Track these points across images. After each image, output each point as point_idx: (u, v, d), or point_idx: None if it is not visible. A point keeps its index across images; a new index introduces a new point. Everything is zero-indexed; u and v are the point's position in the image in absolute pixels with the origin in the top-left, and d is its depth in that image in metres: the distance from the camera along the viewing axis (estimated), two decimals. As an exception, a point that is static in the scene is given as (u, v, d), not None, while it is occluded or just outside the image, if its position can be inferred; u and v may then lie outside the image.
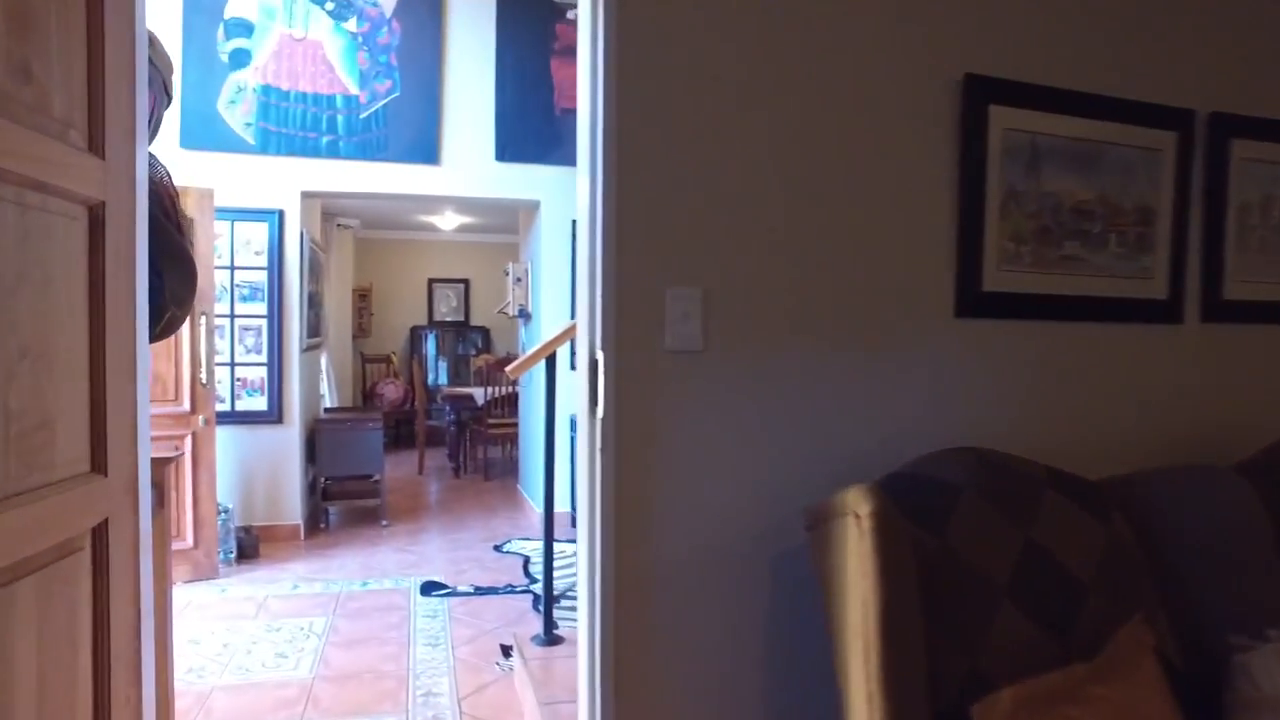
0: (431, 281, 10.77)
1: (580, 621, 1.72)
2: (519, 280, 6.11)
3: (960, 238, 1.94)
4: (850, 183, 1.84)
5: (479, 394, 7.94)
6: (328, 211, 8.80)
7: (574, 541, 5.14)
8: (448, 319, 10.83)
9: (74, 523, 1.22)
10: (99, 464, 1.29)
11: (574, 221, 5.95)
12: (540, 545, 5.29)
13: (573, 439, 5.91)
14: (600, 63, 1.64)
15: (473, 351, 10.55)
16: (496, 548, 5.33)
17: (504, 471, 8.19)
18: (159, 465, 2.13)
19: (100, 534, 1.29)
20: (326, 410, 6.77)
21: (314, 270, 6.01)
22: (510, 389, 7.81)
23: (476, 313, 10.90)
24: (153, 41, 1.83)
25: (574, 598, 3.84)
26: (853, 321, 1.83)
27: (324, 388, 8.85)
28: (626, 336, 1.66)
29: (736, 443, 1.73)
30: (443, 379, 10.50)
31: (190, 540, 4.54)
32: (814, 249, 1.80)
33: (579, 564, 1.75)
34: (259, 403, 5.37)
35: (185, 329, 4.49)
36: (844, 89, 1.82)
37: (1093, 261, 2.07)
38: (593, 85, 1.67)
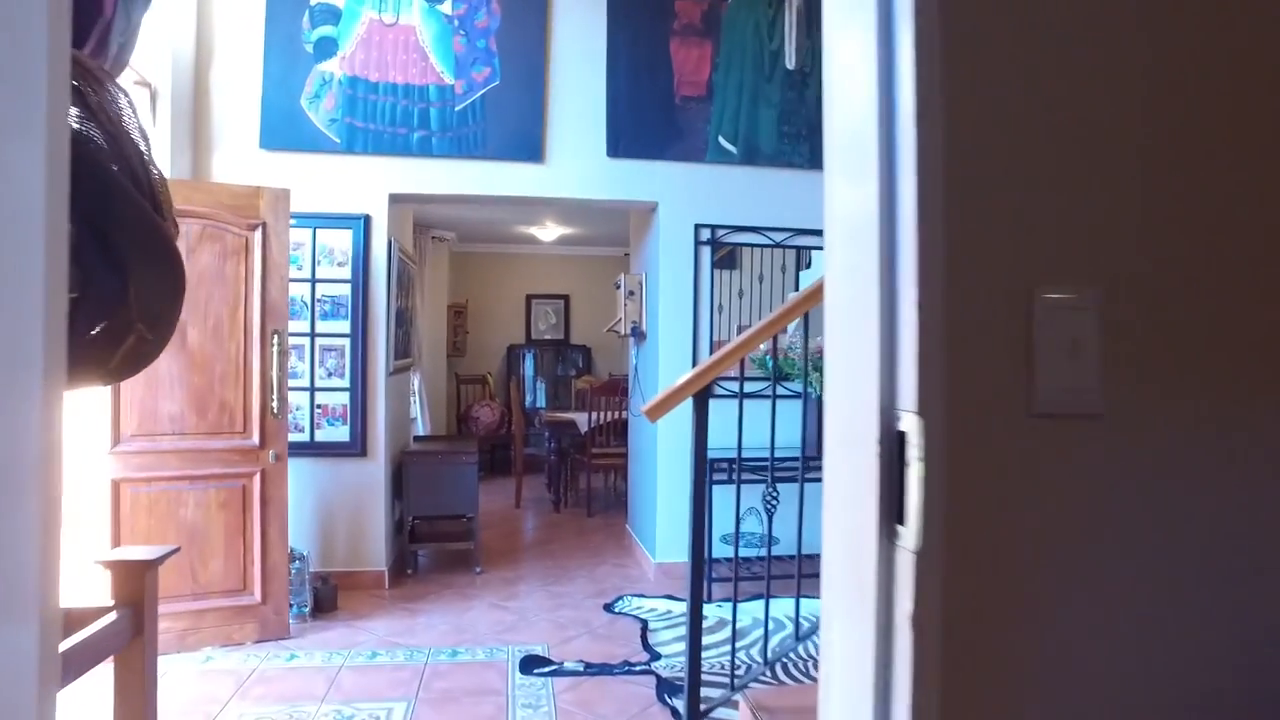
0: (530, 297, 10.15)
1: None
2: (631, 294, 5.34)
3: None
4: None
5: (581, 420, 7.20)
6: (422, 223, 8.27)
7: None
8: (546, 337, 10.18)
9: None
10: None
11: (697, 226, 5.15)
12: (659, 606, 4.48)
13: (693, 479, 5.10)
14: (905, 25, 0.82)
15: (573, 372, 9.86)
16: (607, 607, 4.53)
17: (607, 505, 7.42)
18: (134, 574, 1.40)
19: None
20: (417, 439, 6.14)
21: (403, 283, 5.38)
22: (617, 415, 7.05)
23: (577, 331, 10.23)
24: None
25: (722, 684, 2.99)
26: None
27: (415, 411, 8.30)
28: (962, 388, 0.82)
29: (1166, 594, 0.87)
30: (540, 401, 9.84)
31: (257, 594, 3.89)
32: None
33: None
34: (340, 433, 4.73)
35: (254, 349, 3.87)
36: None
37: None
38: (884, 53, 0.85)
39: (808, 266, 5.39)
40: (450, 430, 9.44)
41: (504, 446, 9.00)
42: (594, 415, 6.99)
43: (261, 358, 3.89)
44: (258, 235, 3.90)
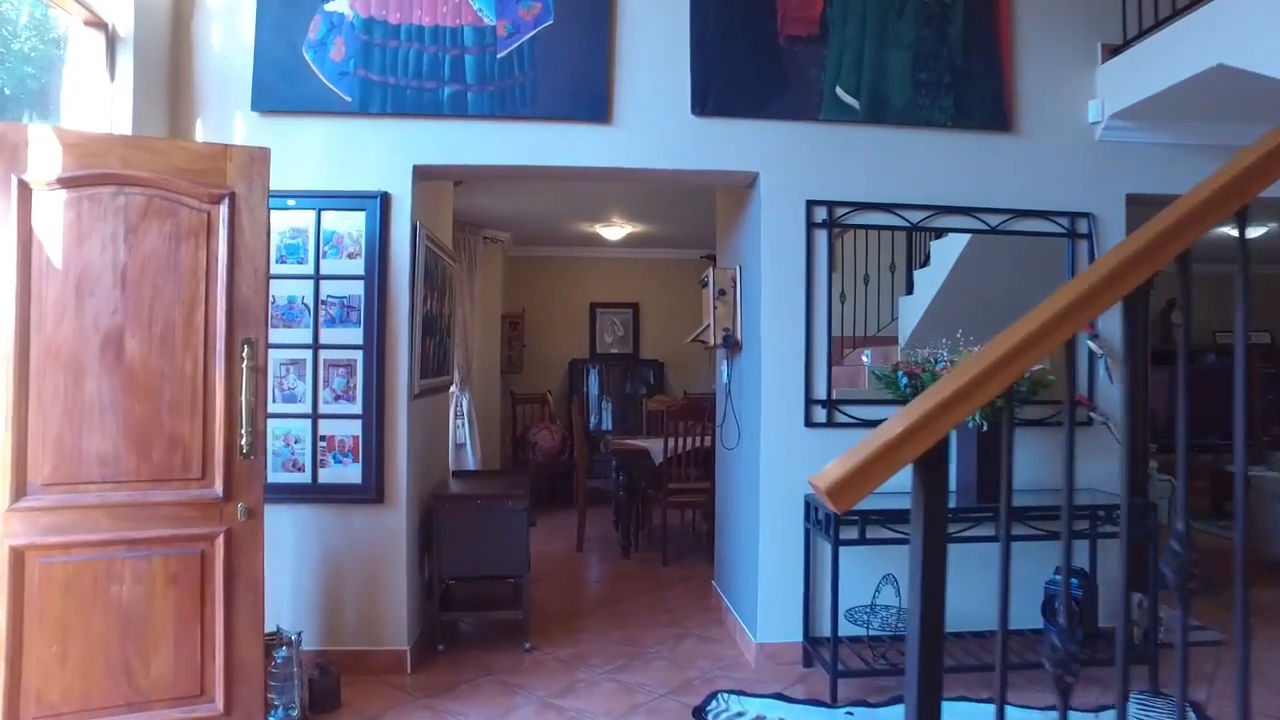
0: (594, 306, 9.07)
1: None
2: (722, 294, 4.18)
3: None
4: None
5: (655, 448, 6.05)
6: (470, 220, 7.27)
7: (812, 704, 3.06)
8: (613, 351, 9.07)
9: None
10: None
11: (810, 203, 3.93)
12: (768, 715, 3.26)
13: (808, 531, 3.90)
14: None
15: (643, 391, 8.72)
16: (698, 713, 3.34)
17: (685, 549, 6.25)
18: None
19: None
20: (456, 475, 5.05)
21: (435, 281, 4.31)
22: (699, 441, 5.89)
23: (648, 343, 9.10)
24: None
25: None
26: None
27: (464, 435, 7.30)
28: None
29: None
30: (606, 423, 8.73)
31: (219, 702, 2.83)
32: None
33: None
34: (350, 473, 3.67)
35: (218, 365, 2.83)
36: None
37: None
38: None
39: (924, 264, 4.18)
40: (504, 456, 8.39)
41: (565, 475, 7.90)
42: (670, 442, 5.84)
43: (228, 376, 2.84)
44: (223, 210, 2.86)
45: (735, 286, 4.22)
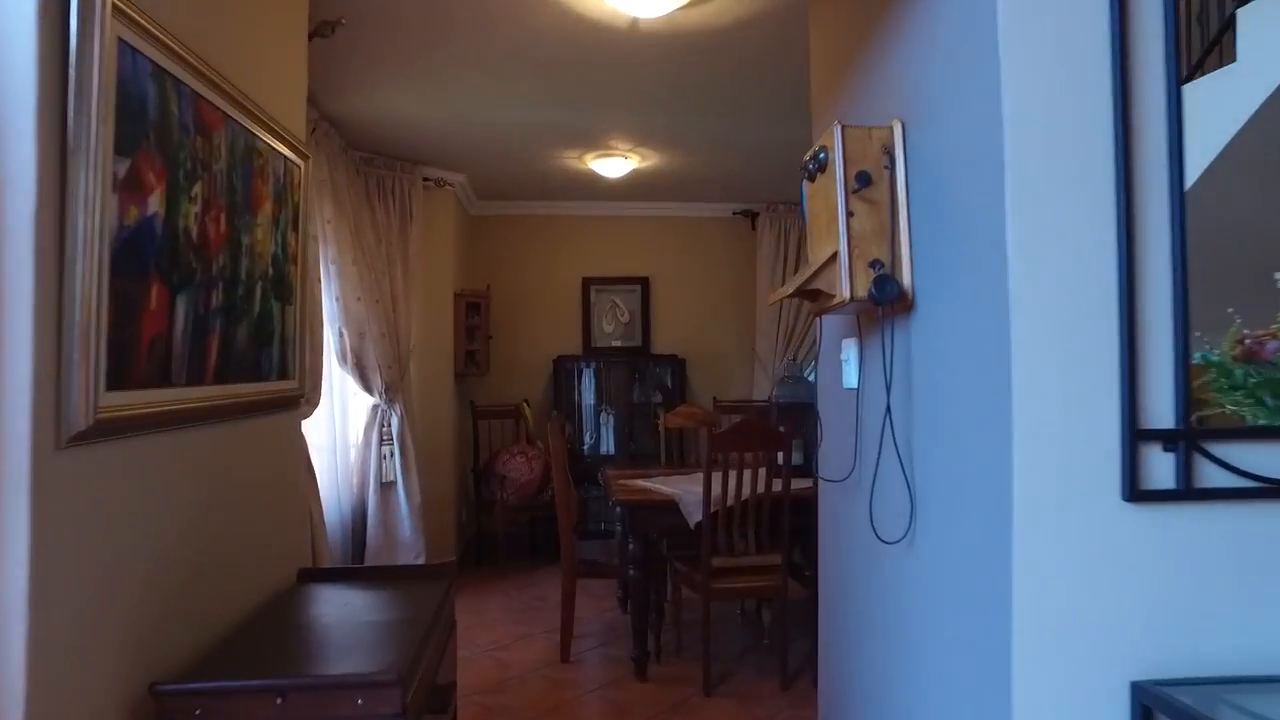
0: (588, 282, 6.67)
1: None
2: (866, 183, 1.80)
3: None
4: None
5: (689, 496, 3.66)
6: (399, 154, 4.90)
7: None
8: (615, 344, 6.68)
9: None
10: None
11: None
12: None
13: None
14: None
15: (656, 399, 6.33)
16: None
17: (734, 654, 3.89)
18: None
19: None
20: (315, 578, 2.57)
21: (184, 150, 1.87)
22: (761, 481, 3.50)
23: (662, 333, 6.72)
24: None
25: None
26: None
27: (394, 471, 4.94)
28: None
29: None
30: (607, 445, 6.34)
31: None
32: None
33: None
34: None
35: None
36: None
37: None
38: None
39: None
40: (463, 498, 5.99)
41: (548, 519, 5.52)
42: (717, 483, 3.45)
43: None
44: None
45: (894, 167, 1.82)
